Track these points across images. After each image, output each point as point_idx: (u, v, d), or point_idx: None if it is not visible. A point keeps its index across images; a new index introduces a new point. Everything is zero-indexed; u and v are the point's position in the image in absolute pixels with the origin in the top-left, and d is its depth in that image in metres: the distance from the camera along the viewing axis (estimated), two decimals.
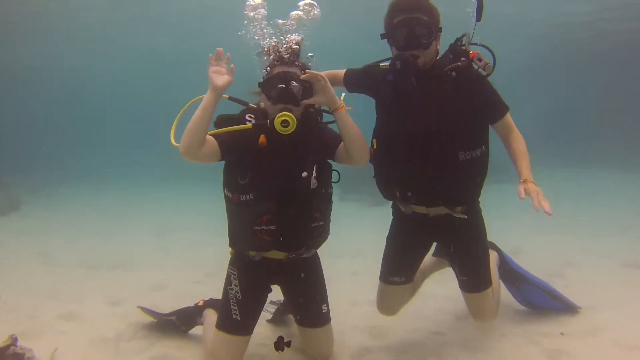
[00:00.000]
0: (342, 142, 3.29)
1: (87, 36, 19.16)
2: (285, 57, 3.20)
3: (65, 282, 5.67)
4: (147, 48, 22.25)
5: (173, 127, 3.42)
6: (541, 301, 4.54)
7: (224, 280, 3.54)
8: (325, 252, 3.63)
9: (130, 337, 4.25)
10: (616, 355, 3.77)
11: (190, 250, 7.36)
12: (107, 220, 9.42)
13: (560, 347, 3.94)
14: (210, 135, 3.14)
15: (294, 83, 3.12)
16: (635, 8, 15.19)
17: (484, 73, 3.28)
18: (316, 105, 3.33)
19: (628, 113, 22.05)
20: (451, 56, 3.34)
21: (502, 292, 4.63)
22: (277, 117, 3.03)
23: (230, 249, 3.58)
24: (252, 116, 3.29)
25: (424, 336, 4.27)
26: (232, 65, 3.14)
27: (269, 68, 3.25)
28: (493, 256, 4.38)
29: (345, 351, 3.94)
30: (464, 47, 3.33)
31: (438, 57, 3.39)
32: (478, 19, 3.28)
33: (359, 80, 3.64)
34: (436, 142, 3.31)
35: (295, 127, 3.05)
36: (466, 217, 3.58)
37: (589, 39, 19.72)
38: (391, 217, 3.97)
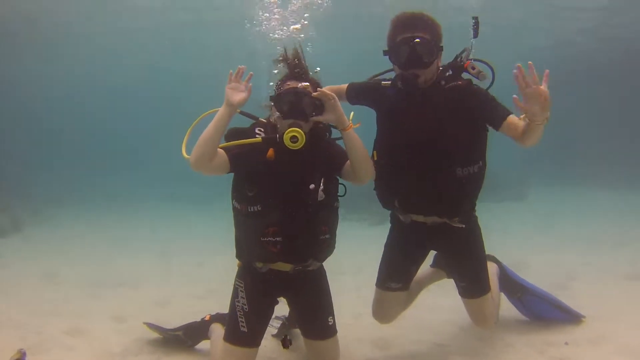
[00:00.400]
0: (348, 161, 3.35)
1: (88, 52, 19.26)
2: (296, 71, 3.26)
3: (70, 300, 5.68)
4: (149, 65, 22.35)
5: (185, 139, 3.49)
6: (544, 311, 4.57)
7: (226, 296, 3.57)
8: (329, 269, 3.66)
9: (136, 352, 4.26)
10: None
11: (192, 269, 7.39)
12: (109, 241, 9.42)
13: (565, 356, 3.98)
14: (220, 148, 3.20)
15: (305, 98, 3.16)
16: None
17: (478, 80, 3.35)
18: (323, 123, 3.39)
19: (621, 132, 22.28)
20: (450, 72, 3.43)
21: (505, 304, 4.70)
22: (286, 132, 3.08)
23: (237, 262, 3.62)
24: (262, 130, 3.35)
25: (428, 347, 4.29)
26: (250, 84, 3.21)
27: (280, 82, 3.31)
28: (492, 268, 4.42)
29: None
30: (462, 63, 3.41)
31: (440, 72, 3.46)
32: (475, 35, 3.38)
33: (361, 94, 3.72)
34: (434, 156, 3.40)
35: (304, 143, 3.09)
36: (463, 226, 3.65)
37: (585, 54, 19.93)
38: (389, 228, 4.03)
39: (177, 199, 14.87)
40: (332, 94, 3.15)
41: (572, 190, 13.24)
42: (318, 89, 3.19)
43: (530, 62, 2.92)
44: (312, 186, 3.25)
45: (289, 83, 3.24)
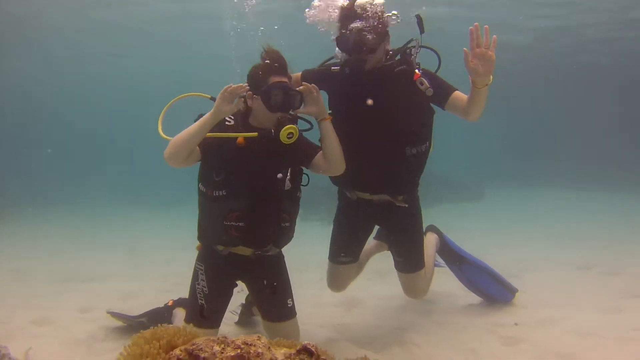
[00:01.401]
0: (319, 152, 3.51)
1: (66, 55, 19.07)
2: (275, 65, 3.32)
3: (37, 294, 5.72)
4: (126, 70, 22.22)
5: (160, 120, 3.54)
6: (481, 281, 4.85)
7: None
8: (292, 266, 3.81)
9: (102, 339, 4.35)
10: (570, 341, 4.01)
11: (160, 266, 7.45)
12: (76, 240, 9.41)
13: (514, 335, 4.19)
14: None
15: (291, 92, 3.29)
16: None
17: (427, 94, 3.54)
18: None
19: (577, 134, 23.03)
20: (399, 57, 3.66)
21: (454, 291, 4.95)
22: (283, 129, 3.19)
23: (197, 245, 3.74)
24: (232, 117, 3.42)
25: (388, 331, 4.46)
26: (241, 98, 3.34)
27: (260, 76, 3.33)
28: (433, 238, 4.73)
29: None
30: (412, 56, 3.61)
31: (388, 57, 3.67)
32: (421, 31, 3.58)
33: (315, 80, 3.83)
34: (384, 137, 3.63)
35: (296, 138, 3.26)
36: (407, 205, 3.92)
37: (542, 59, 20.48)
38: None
39: (144, 201, 14.83)
40: (314, 86, 3.33)
41: (528, 191, 13.63)
42: (303, 82, 3.35)
43: (486, 26, 3.14)
44: (279, 175, 3.39)
45: (273, 78, 3.31)
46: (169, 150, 3.20)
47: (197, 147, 3.30)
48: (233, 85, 3.23)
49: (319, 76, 3.81)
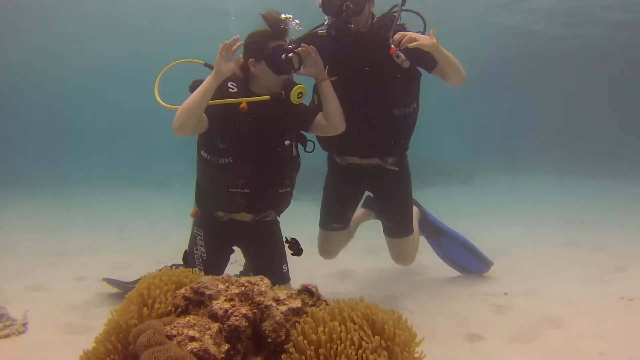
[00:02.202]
0: (319, 114, 3.54)
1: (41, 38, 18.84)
2: (281, 29, 3.32)
3: (30, 265, 5.73)
4: (108, 54, 21.99)
5: (156, 87, 3.50)
6: (458, 254, 4.95)
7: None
8: None
9: (97, 304, 4.41)
10: (556, 307, 4.11)
11: (151, 239, 7.45)
12: (66, 217, 9.35)
13: (504, 303, 4.29)
14: None
15: (293, 55, 3.30)
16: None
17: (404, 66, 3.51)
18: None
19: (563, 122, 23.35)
20: (381, 23, 3.68)
21: (443, 264, 5.07)
22: (294, 89, 3.22)
23: (192, 211, 3.77)
24: (234, 84, 3.39)
25: (380, 300, 4.53)
26: (240, 56, 3.36)
27: (261, 41, 3.33)
28: (414, 210, 4.77)
29: None
30: (394, 14, 3.64)
31: (375, 21, 3.71)
32: (403, 3, 3.63)
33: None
34: (372, 98, 3.68)
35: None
36: (397, 168, 4.00)
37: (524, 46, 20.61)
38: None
39: (135, 182, 14.78)
40: (312, 47, 3.35)
41: (517, 175, 13.76)
42: (302, 44, 3.36)
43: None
44: (287, 142, 3.41)
45: (274, 42, 3.31)
46: (179, 121, 3.15)
47: (204, 115, 3.26)
48: (228, 42, 3.19)
49: (306, 41, 3.83)
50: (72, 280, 5.12)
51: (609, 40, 18.80)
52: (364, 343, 1.71)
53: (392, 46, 3.41)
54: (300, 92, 3.24)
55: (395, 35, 3.39)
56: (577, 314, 3.87)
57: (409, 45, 3.30)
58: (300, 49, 3.33)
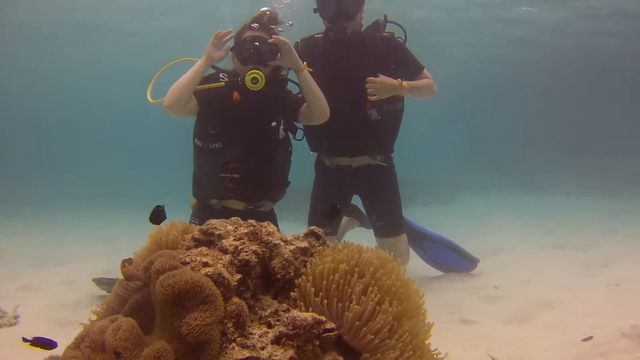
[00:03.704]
0: (304, 104, 3.65)
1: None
2: (259, 21, 3.52)
3: (22, 270, 5.62)
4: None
5: (150, 85, 3.69)
6: (444, 256, 4.98)
7: None
8: None
9: (88, 304, 4.36)
10: (547, 293, 4.15)
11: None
12: (53, 232, 9.20)
13: (496, 294, 4.34)
14: None
15: (263, 45, 3.42)
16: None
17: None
18: (283, 72, 3.69)
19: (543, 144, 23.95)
20: (371, 30, 3.98)
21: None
22: (247, 74, 3.35)
23: (192, 203, 3.82)
24: (226, 75, 3.59)
25: None
26: (229, 45, 3.53)
27: (239, 32, 3.56)
28: None
29: None
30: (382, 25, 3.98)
31: (363, 29, 3.98)
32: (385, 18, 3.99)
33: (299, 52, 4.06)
34: (362, 96, 3.83)
35: (263, 84, 3.36)
36: (385, 165, 4.14)
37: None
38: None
39: (117, 203, 14.60)
40: (286, 39, 3.46)
41: (500, 195, 13.91)
42: (273, 35, 3.46)
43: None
44: (274, 123, 3.54)
45: (247, 32, 3.50)
46: (169, 97, 3.34)
47: (195, 101, 3.45)
48: (222, 32, 3.44)
49: (304, 45, 4.03)
50: (63, 283, 5.07)
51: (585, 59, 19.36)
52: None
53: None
54: (255, 77, 3.34)
55: (367, 83, 3.74)
56: (568, 298, 3.92)
57: (371, 99, 3.73)
58: (271, 40, 3.42)
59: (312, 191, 4.36)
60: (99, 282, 4.55)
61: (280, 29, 3.60)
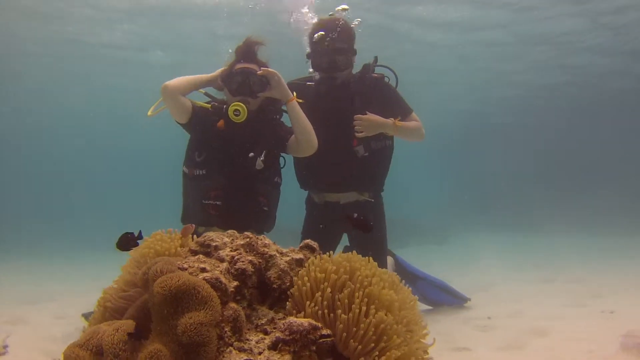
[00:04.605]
0: (292, 135, 3.69)
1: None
2: (249, 52, 3.59)
3: (10, 305, 5.57)
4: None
5: (154, 106, 3.68)
6: (435, 295, 4.99)
7: None
8: None
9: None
10: (540, 322, 4.18)
11: None
12: (43, 272, 9.13)
13: (489, 324, 4.34)
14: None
15: (252, 77, 3.50)
16: None
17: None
18: (275, 105, 3.76)
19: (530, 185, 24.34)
20: (361, 73, 4.04)
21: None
22: (231, 106, 3.41)
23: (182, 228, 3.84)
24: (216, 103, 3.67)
25: None
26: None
27: (230, 65, 3.61)
28: (389, 261, 4.83)
29: None
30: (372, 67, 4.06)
31: (355, 73, 4.05)
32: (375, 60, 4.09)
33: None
34: (350, 132, 3.86)
35: (246, 117, 3.41)
36: (373, 200, 4.13)
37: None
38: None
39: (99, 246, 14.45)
40: (275, 71, 3.53)
41: (490, 234, 13.97)
42: (262, 67, 3.53)
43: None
44: (251, 154, 3.55)
45: (238, 64, 3.56)
46: (172, 81, 3.44)
47: (191, 106, 3.55)
48: None
49: (295, 88, 4.02)
50: (52, 317, 5.02)
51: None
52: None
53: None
54: (237, 110, 3.40)
55: (355, 121, 3.81)
56: (562, 325, 3.93)
57: (358, 136, 3.80)
58: (260, 72, 3.50)
59: (302, 229, 4.36)
60: (88, 316, 4.50)
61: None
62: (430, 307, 5.01)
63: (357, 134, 3.81)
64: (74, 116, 22.06)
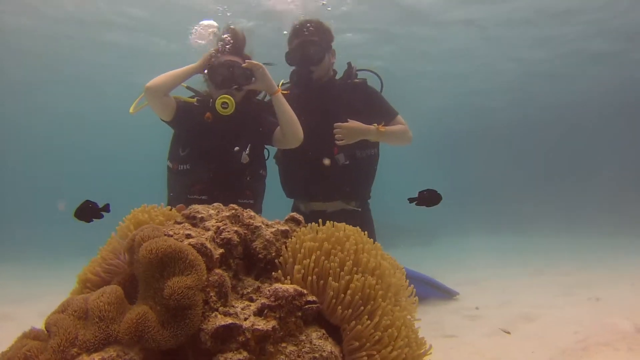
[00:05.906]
0: (277, 127, 3.69)
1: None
2: (227, 47, 3.58)
3: None
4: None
5: (135, 102, 3.62)
6: (423, 292, 4.97)
7: None
8: None
9: None
10: (530, 311, 4.18)
11: None
12: (30, 275, 9.04)
13: (478, 314, 4.35)
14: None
15: (236, 70, 3.50)
16: None
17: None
18: (262, 97, 3.79)
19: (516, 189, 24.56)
20: (343, 78, 4.08)
21: None
22: (218, 99, 3.41)
23: None
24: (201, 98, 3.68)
25: None
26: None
27: (214, 57, 3.59)
28: None
29: None
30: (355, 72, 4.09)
31: (336, 76, 4.08)
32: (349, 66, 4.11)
33: None
34: (331, 141, 3.83)
35: (233, 109, 3.42)
36: (360, 209, 4.13)
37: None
38: None
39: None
40: (260, 63, 3.53)
41: (479, 236, 14.03)
42: (247, 60, 3.54)
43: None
44: (236, 148, 3.55)
45: (222, 56, 3.56)
46: (154, 80, 3.38)
47: (174, 103, 3.52)
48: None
49: None
50: (38, 315, 4.94)
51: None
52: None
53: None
54: (225, 102, 3.40)
55: (335, 129, 3.76)
56: (549, 311, 3.96)
57: (339, 144, 3.75)
58: (245, 64, 3.50)
59: None
60: None
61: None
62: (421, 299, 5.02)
63: (337, 142, 3.77)
64: (52, 114, 21.80)
